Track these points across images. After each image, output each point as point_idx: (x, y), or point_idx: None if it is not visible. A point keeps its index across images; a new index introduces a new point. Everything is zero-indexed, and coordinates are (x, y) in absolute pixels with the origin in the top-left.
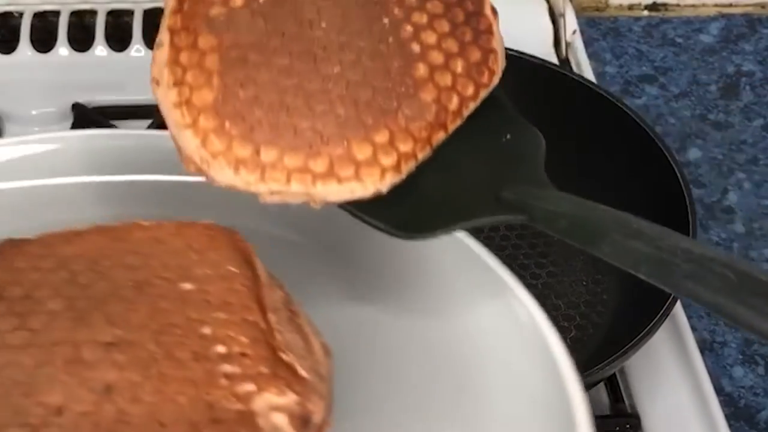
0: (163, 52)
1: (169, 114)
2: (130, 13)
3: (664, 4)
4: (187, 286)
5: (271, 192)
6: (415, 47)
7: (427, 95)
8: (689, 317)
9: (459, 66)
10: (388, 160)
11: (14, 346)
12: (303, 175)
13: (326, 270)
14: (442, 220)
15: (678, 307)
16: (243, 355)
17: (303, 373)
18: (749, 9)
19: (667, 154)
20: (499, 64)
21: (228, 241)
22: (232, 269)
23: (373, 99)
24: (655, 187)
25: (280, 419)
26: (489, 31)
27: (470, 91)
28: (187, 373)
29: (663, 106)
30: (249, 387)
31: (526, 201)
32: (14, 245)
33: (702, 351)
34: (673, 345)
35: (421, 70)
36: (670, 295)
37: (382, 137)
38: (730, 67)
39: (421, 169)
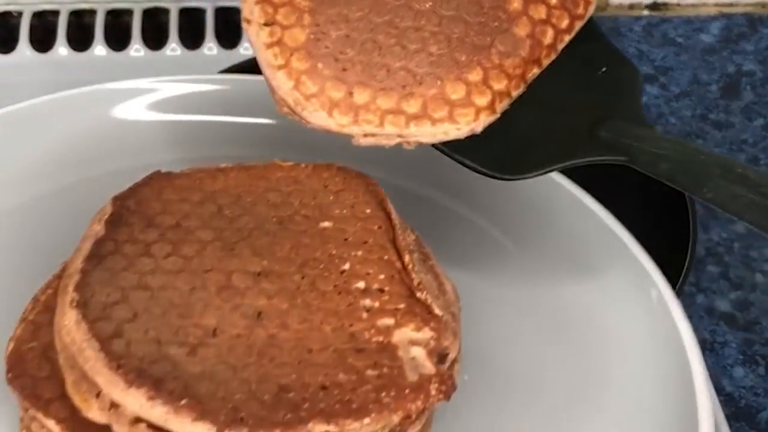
0: None
1: (262, 55)
2: (129, 12)
3: (665, 4)
4: (326, 224)
5: (364, 134)
6: None
7: (521, 29)
8: (689, 317)
9: None
10: (482, 100)
11: (169, 270)
12: (396, 116)
13: (451, 218)
14: (539, 160)
15: None
16: (381, 291)
17: (438, 311)
18: (750, 8)
19: None
20: None
21: (362, 183)
22: (368, 211)
23: (466, 35)
24: (656, 187)
25: (419, 352)
26: None
27: (565, 23)
28: (330, 304)
29: (663, 105)
30: (388, 321)
31: (626, 141)
32: (163, 177)
33: (702, 351)
34: None
35: (515, 3)
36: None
37: (475, 76)
38: (731, 67)
39: (516, 106)
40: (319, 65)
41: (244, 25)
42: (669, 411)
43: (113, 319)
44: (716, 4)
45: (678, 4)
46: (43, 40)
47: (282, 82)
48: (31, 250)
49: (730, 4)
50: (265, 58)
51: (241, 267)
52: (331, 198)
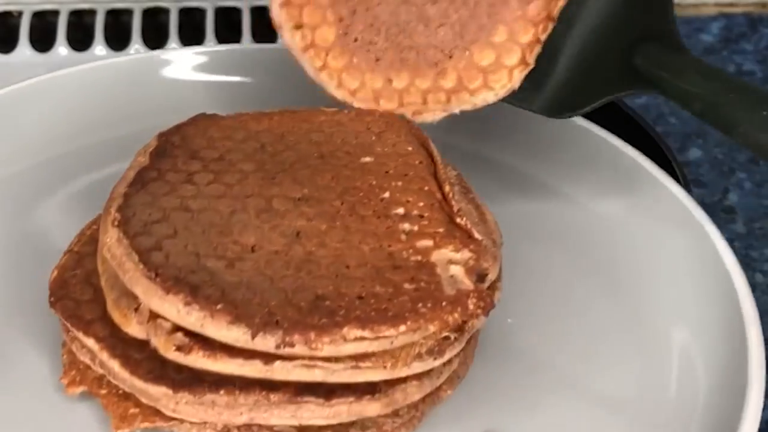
0: None
1: (301, 59)
2: (129, 12)
3: None
4: (367, 159)
5: (412, 113)
6: None
7: None
8: None
9: None
10: (512, 59)
11: (210, 195)
12: (436, 94)
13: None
14: (582, 98)
15: None
16: (420, 217)
17: (477, 235)
18: (750, 8)
19: (667, 154)
20: None
21: (404, 126)
22: (409, 149)
23: None
24: None
25: (457, 270)
26: None
27: None
28: (369, 227)
29: (664, 105)
30: (427, 243)
31: (660, 75)
32: (208, 118)
33: None
34: None
35: None
36: None
37: (500, 36)
38: (731, 67)
39: (553, 39)
40: (354, 59)
41: (279, 32)
42: (714, 323)
43: (153, 234)
44: (716, 4)
45: (678, 4)
46: (43, 40)
47: (326, 83)
48: (79, 190)
49: (730, 4)
50: (306, 63)
51: (281, 193)
52: (373, 138)
